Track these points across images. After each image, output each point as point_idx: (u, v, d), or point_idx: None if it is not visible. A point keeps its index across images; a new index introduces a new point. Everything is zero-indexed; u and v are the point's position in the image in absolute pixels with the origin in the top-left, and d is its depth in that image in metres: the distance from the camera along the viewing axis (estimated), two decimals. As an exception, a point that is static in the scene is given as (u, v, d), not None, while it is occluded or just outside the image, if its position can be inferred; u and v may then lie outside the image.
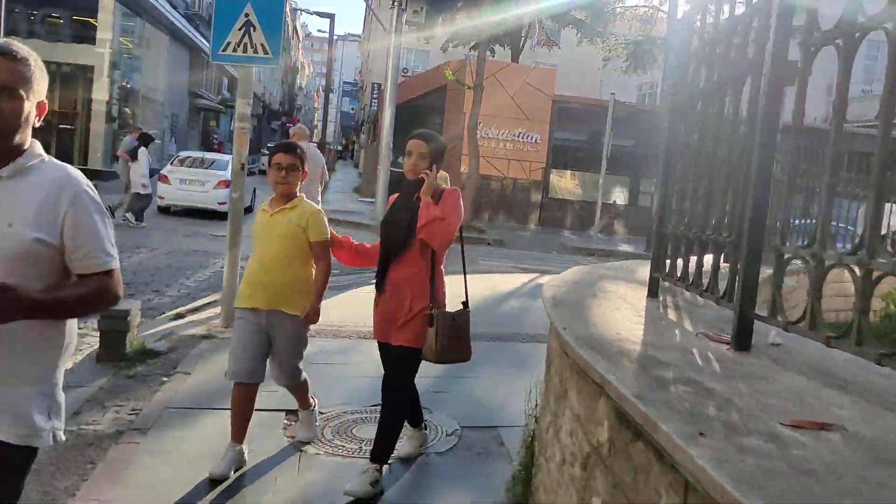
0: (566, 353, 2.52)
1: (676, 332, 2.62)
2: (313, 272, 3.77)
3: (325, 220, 3.80)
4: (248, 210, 14.60)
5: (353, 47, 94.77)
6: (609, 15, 26.42)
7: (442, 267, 3.64)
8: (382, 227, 3.69)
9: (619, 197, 23.49)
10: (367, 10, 29.74)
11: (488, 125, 22.37)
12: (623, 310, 2.98)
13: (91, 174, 18.77)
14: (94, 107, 21.30)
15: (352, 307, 7.28)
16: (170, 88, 27.39)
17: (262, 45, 6.00)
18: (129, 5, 22.84)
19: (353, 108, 63.31)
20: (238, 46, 5.99)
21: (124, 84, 22.86)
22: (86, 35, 21.43)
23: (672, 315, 2.95)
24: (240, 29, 5.98)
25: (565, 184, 23.88)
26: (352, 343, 6.05)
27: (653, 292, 3.28)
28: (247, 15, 5.91)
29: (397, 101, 23.42)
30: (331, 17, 24.11)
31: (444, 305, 3.63)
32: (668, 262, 3.09)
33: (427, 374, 4.88)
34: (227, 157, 21.23)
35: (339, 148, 63.25)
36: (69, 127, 21.31)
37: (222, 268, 6.66)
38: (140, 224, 13.01)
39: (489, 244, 17.35)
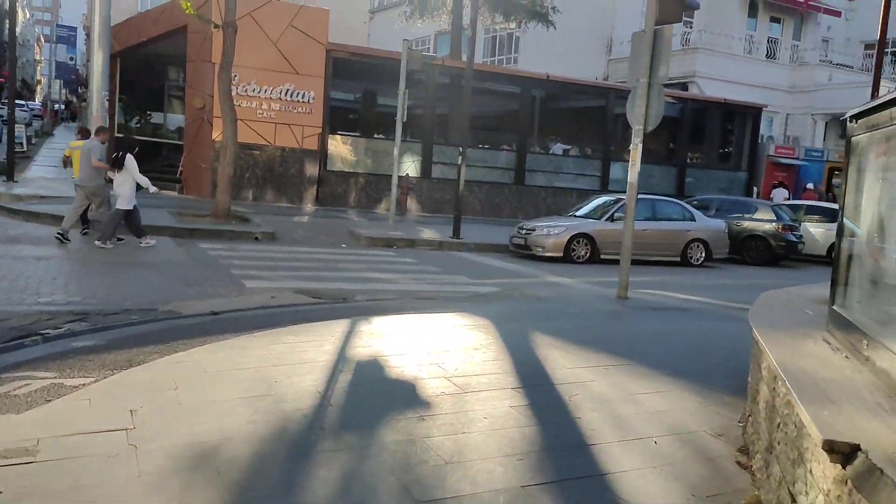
0: None
1: None
2: None
3: None
4: None
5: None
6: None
7: None
8: None
9: (411, 168, 19.99)
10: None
11: (247, 79, 17.61)
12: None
13: None
14: None
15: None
16: None
17: None
18: None
19: (71, 59, 52.43)
20: None
21: None
22: None
23: None
24: None
25: (345, 153, 19.84)
26: None
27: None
28: None
29: (122, 47, 17.65)
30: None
31: None
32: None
33: None
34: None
35: (62, 108, 52.32)
36: None
37: None
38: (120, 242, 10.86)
39: (256, 239, 12.93)
